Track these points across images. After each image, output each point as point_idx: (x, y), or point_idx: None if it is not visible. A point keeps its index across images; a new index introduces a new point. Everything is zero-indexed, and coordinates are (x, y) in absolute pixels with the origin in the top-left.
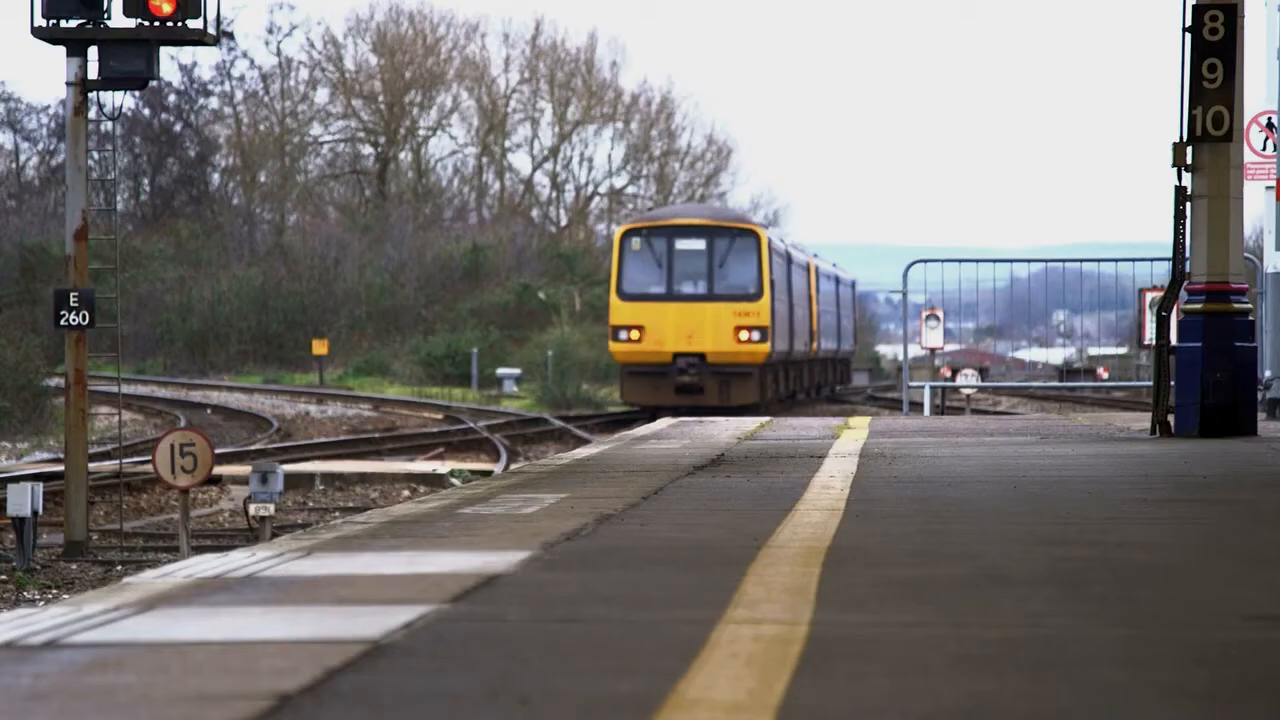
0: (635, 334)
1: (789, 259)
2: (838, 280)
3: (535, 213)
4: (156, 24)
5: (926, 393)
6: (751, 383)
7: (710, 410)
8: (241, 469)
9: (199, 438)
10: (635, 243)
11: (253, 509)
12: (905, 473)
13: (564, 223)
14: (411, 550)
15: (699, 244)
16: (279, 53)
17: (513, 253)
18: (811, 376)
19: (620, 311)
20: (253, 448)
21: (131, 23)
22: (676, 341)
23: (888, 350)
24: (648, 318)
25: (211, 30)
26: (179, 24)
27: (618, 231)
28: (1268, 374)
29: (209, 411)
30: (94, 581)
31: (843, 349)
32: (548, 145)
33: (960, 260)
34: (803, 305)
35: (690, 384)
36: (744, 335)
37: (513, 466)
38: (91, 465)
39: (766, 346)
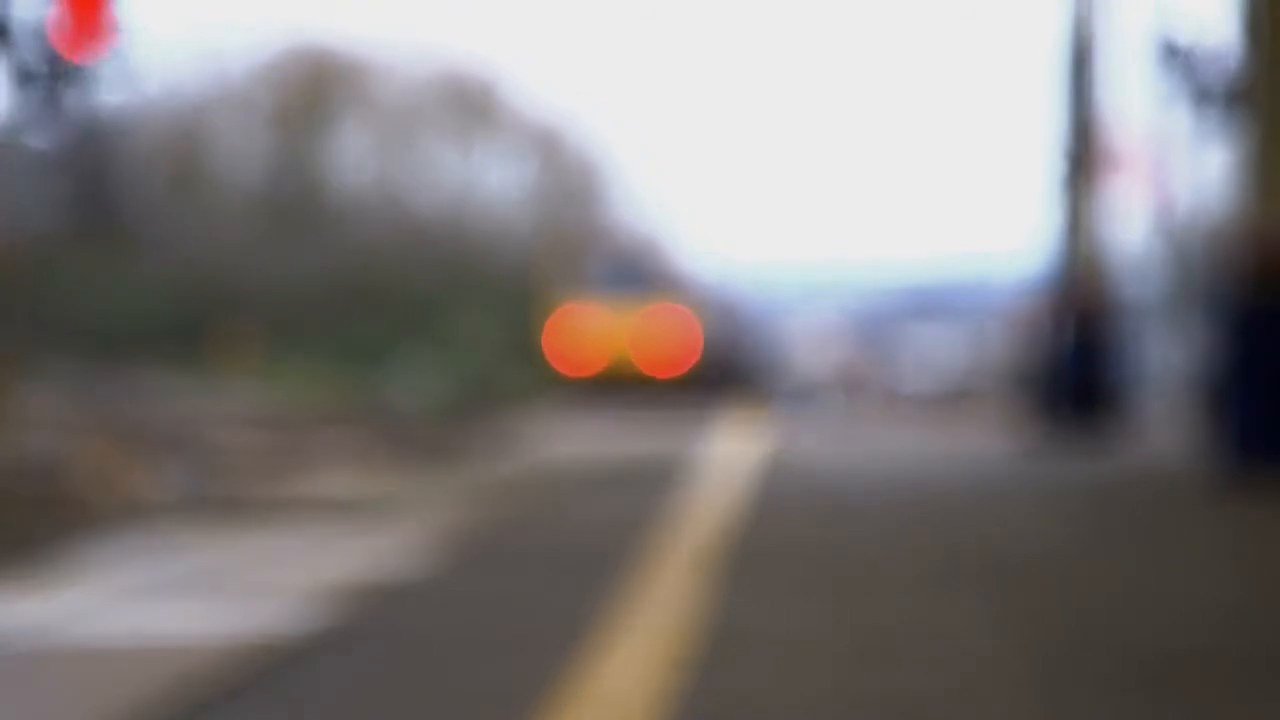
0: (574, 349)
1: (710, 285)
2: (757, 305)
3: (423, 232)
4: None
5: (816, 402)
6: (678, 390)
7: (640, 414)
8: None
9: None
10: (578, 272)
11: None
12: (797, 477)
13: (453, 241)
14: (308, 552)
15: (627, 269)
16: (180, 78)
17: (409, 269)
18: (735, 382)
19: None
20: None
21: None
22: (611, 355)
23: (780, 360)
24: (584, 334)
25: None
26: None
27: (563, 258)
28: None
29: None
30: None
31: (762, 363)
32: (435, 169)
33: (848, 272)
34: (725, 323)
35: (623, 390)
36: (668, 350)
37: (414, 471)
38: None
39: (689, 359)
